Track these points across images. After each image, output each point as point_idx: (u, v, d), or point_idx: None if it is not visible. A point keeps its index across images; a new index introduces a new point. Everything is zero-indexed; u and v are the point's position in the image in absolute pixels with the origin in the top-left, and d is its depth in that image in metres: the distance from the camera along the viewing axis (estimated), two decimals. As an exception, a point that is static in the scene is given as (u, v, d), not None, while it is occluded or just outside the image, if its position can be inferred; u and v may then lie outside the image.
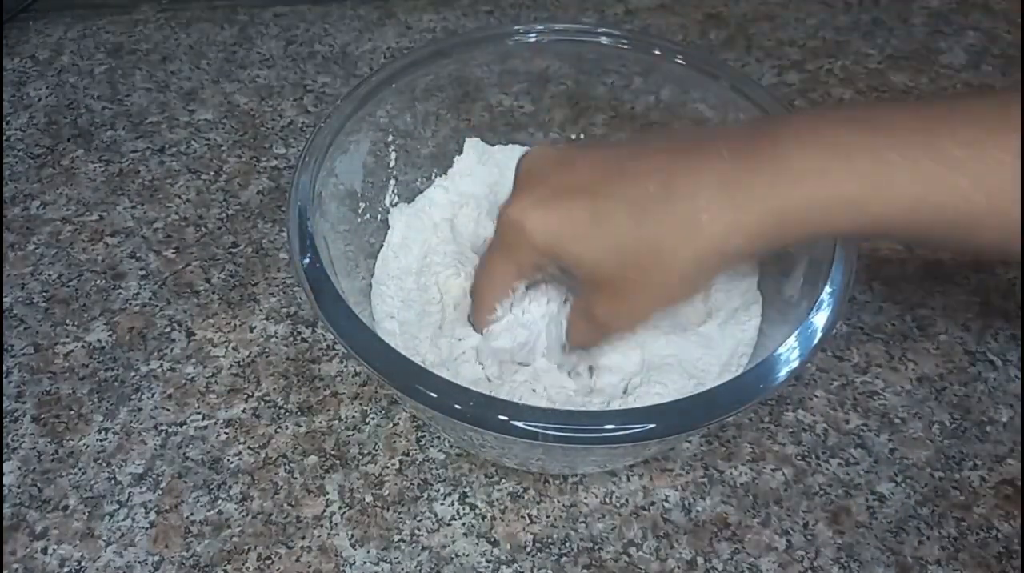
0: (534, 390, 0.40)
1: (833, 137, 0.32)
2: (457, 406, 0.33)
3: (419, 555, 0.40)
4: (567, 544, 0.41)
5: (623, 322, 0.38)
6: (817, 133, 0.32)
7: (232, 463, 0.43)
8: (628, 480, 0.43)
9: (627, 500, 0.42)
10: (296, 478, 0.43)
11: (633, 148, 0.35)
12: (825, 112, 0.33)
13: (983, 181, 0.30)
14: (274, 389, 0.46)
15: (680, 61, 0.46)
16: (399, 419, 0.45)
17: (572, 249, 0.34)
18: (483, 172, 0.48)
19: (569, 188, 0.34)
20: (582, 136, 0.51)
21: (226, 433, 0.44)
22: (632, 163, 0.34)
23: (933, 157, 0.30)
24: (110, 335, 0.48)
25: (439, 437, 0.44)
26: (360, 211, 0.46)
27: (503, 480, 0.43)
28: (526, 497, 0.42)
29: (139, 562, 0.40)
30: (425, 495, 0.42)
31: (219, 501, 0.42)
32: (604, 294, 0.36)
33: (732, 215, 0.32)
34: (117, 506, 0.42)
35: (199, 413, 0.45)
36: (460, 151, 0.49)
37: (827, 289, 0.37)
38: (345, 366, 0.47)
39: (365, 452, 0.43)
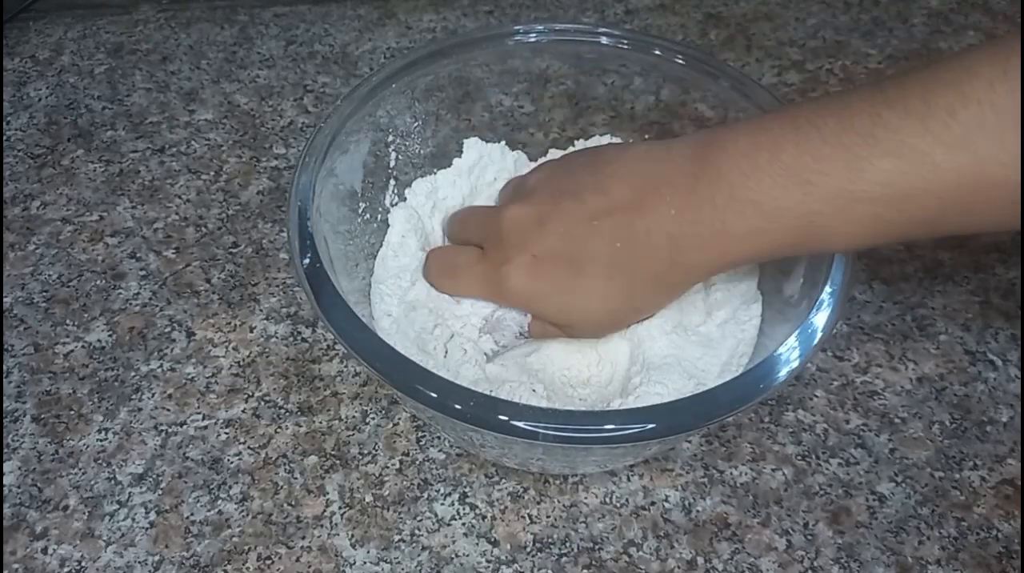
0: (534, 390, 0.40)
1: (762, 196, 0.34)
2: (457, 406, 0.33)
3: (419, 555, 0.40)
4: (567, 544, 0.41)
5: (590, 337, 0.43)
6: (747, 190, 0.34)
7: (232, 463, 0.43)
8: (628, 480, 0.43)
9: (627, 500, 0.42)
10: (296, 478, 0.43)
11: (596, 199, 0.39)
12: (757, 148, 0.34)
13: (902, 206, 0.32)
14: (274, 389, 0.46)
15: (680, 61, 0.46)
16: (399, 419, 0.45)
17: (550, 311, 0.40)
18: (477, 172, 0.49)
19: (549, 255, 0.39)
20: (581, 137, 0.51)
21: (226, 433, 0.44)
22: (600, 224, 0.38)
23: (857, 199, 0.32)
24: (110, 335, 0.48)
25: (439, 437, 0.44)
26: (360, 211, 0.46)
27: (503, 480, 0.43)
28: (526, 497, 0.42)
29: (139, 562, 0.40)
30: (425, 495, 0.42)
31: (219, 501, 0.42)
32: (571, 324, 0.41)
33: (683, 271, 0.38)
34: (117, 506, 0.42)
35: (199, 413, 0.45)
36: (460, 151, 0.49)
37: (827, 289, 0.37)
38: (345, 366, 0.47)
39: (365, 452, 0.43)
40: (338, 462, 0.43)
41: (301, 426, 0.44)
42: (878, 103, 0.31)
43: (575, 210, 0.39)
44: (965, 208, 0.31)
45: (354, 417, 0.45)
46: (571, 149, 0.50)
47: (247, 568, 0.40)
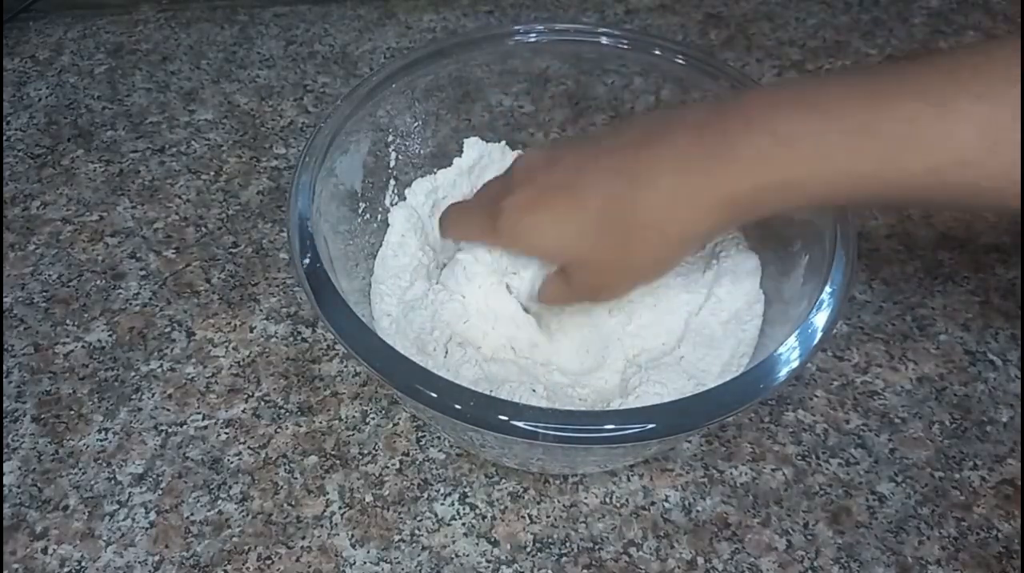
0: (534, 390, 0.40)
1: (779, 123, 0.33)
2: (457, 406, 0.33)
3: (419, 555, 0.40)
4: (567, 544, 0.41)
5: (603, 296, 0.41)
6: (765, 119, 0.34)
7: (232, 463, 0.43)
8: (628, 480, 0.43)
9: (627, 500, 0.42)
10: (296, 478, 0.43)
11: (609, 142, 0.38)
12: (778, 92, 0.35)
13: (930, 153, 0.31)
14: (274, 389, 0.46)
15: (680, 61, 0.46)
16: (399, 419, 0.45)
17: (546, 243, 0.39)
18: (478, 171, 0.49)
19: (552, 186, 0.38)
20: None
21: (226, 433, 0.44)
22: (605, 158, 0.37)
23: (874, 132, 0.32)
24: (110, 335, 0.48)
25: (439, 437, 0.44)
26: (360, 211, 0.46)
27: (503, 480, 0.43)
28: (526, 497, 0.42)
29: (139, 562, 0.40)
30: (425, 495, 0.42)
31: (219, 501, 0.42)
32: (586, 272, 0.39)
33: (689, 203, 0.35)
34: (117, 506, 0.42)
35: (199, 413, 0.45)
36: (460, 151, 0.49)
37: (827, 289, 0.37)
38: (345, 366, 0.47)
39: (365, 452, 0.43)
40: (338, 462, 0.43)
41: (301, 426, 0.44)
42: (904, 70, 0.33)
43: (586, 148, 0.38)
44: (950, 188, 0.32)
45: (354, 417, 0.45)
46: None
47: (247, 568, 0.40)
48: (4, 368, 0.46)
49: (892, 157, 0.32)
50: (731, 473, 0.43)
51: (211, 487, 0.42)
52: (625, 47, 0.47)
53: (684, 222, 0.36)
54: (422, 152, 0.49)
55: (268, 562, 0.40)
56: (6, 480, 0.42)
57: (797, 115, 0.33)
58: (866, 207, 0.35)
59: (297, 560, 0.40)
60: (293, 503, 0.42)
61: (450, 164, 0.49)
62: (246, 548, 0.40)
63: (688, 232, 0.36)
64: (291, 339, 0.48)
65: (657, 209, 0.36)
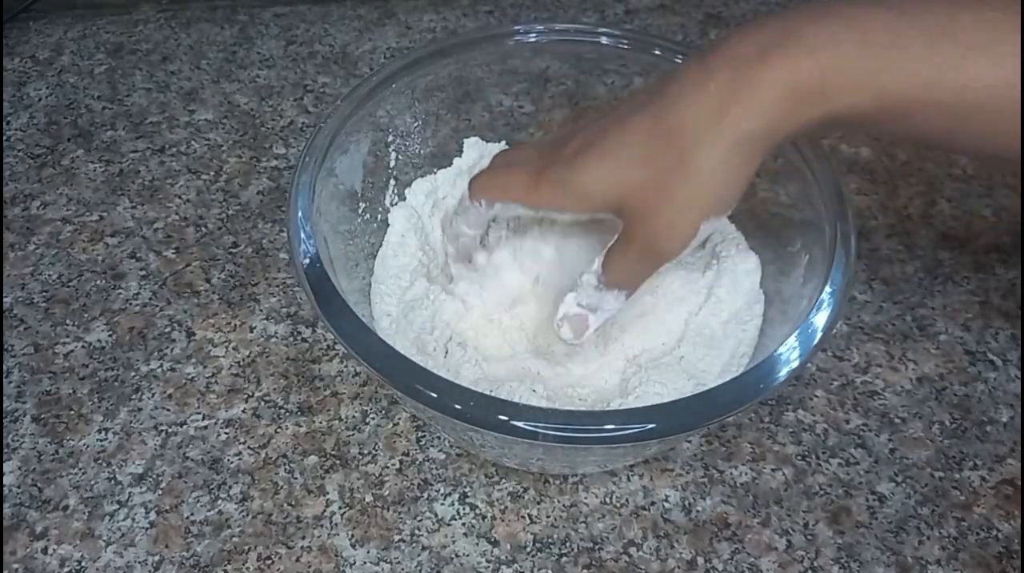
0: (534, 390, 0.40)
1: (848, 12, 0.32)
2: (457, 406, 0.33)
3: (419, 555, 0.40)
4: (567, 544, 0.41)
5: (665, 240, 0.35)
6: (831, 10, 0.32)
7: (232, 463, 0.43)
8: (628, 480, 0.43)
9: (627, 500, 0.42)
10: (296, 478, 0.43)
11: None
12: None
13: (1003, 62, 0.30)
14: (274, 389, 0.46)
15: (680, 61, 0.46)
16: (399, 419, 0.45)
17: (600, 185, 0.35)
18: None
19: (600, 131, 0.35)
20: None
21: (226, 433, 0.44)
22: (655, 86, 0.35)
23: (951, 34, 0.30)
24: (110, 335, 0.48)
25: (439, 437, 0.44)
26: (360, 211, 0.46)
27: (503, 480, 0.43)
28: (526, 497, 0.42)
29: (139, 562, 0.40)
30: (425, 495, 0.42)
31: (219, 501, 0.42)
32: (639, 218, 0.35)
33: (746, 95, 0.32)
34: (117, 506, 0.42)
35: (199, 413, 0.45)
36: (460, 151, 0.49)
37: (827, 289, 0.37)
38: (345, 366, 0.47)
39: (365, 452, 0.43)
40: (338, 462, 0.43)
41: (301, 426, 0.44)
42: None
43: (626, 101, 0.36)
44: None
45: (354, 417, 0.45)
46: None
47: (247, 568, 0.40)
48: (4, 368, 0.46)
49: (966, 62, 0.30)
50: (731, 473, 0.43)
51: (211, 487, 0.42)
52: (625, 47, 0.47)
53: (741, 118, 0.32)
54: (422, 152, 0.49)
55: (268, 562, 0.40)
56: (6, 480, 0.42)
57: (868, 5, 0.31)
58: (920, 133, 0.31)
59: (297, 560, 0.40)
60: (293, 503, 0.42)
61: (450, 164, 0.49)
62: (246, 548, 0.40)
63: (746, 130, 0.32)
64: (291, 339, 0.48)
65: (711, 109, 0.32)
